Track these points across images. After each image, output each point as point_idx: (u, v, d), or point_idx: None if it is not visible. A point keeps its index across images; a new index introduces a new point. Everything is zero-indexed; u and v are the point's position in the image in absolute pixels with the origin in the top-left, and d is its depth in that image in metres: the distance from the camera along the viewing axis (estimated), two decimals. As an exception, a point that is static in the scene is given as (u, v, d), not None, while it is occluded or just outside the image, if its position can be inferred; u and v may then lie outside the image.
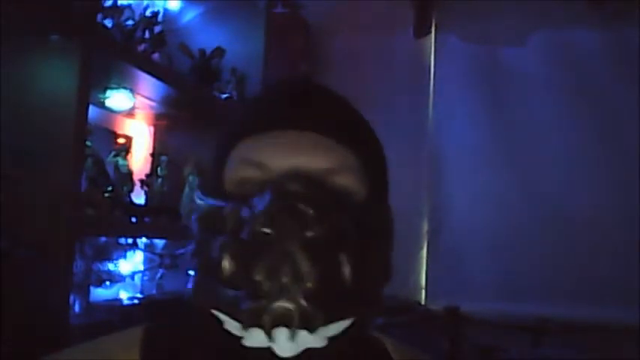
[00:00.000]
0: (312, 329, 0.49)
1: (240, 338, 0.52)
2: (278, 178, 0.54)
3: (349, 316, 0.54)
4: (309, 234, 0.49)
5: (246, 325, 0.49)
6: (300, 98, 0.59)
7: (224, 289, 0.51)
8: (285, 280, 0.48)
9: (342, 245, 0.51)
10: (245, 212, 0.52)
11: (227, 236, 0.52)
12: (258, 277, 0.49)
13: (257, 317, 0.49)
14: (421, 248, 2.81)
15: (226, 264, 0.50)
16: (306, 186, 0.52)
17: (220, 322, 0.55)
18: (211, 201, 0.57)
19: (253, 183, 0.56)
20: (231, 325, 0.53)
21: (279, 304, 0.48)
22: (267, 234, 0.49)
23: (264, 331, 0.49)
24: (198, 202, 0.59)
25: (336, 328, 0.53)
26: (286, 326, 0.48)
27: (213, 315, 0.54)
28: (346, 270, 0.51)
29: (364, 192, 0.58)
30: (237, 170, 0.57)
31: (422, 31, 2.94)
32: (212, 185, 0.60)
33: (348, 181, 0.56)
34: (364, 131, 0.62)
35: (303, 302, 0.48)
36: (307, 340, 0.50)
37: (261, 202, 0.51)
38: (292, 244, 0.49)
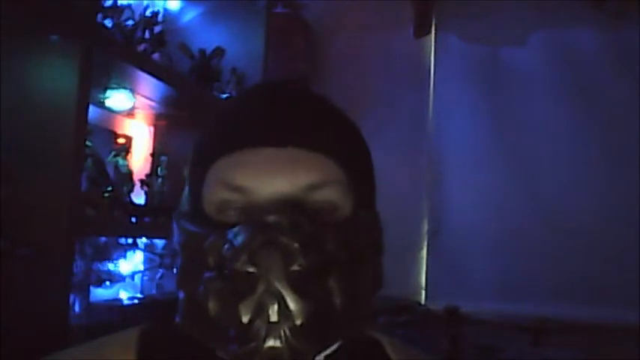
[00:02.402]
0: None
1: None
2: (258, 206, 0.52)
3: (342, 339, 0.53)
4: (294, 268, 0.47)
5: None
6: (278, 110, 0.56)
7: (212, 326, 0.50)
8: (273, 319, 0.47)
9: (330, 271, 0.50)
10: (226, 247, 0.50)
11: (211, 273, 0.50)
12: (245, 319, 0.47)
13: (248, 359, 0.48)
14: (421, 248, 2.80)
15: (212, 305, 0.49)
16: (289, 215, 0.49)
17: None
18: (192, 226, 0.55)
19: (235, 206, 0.53)
20: (223, 355, 0.53)
21: (269, 345, 0.47)
22: (251, 272, 0.48)
23: None
24: (179, 225, 0.57)
25: (329, 350, 0.53)
26: None
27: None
28: (337, 297, 0.49)
29: (350, 203, 0.55)
30: (217, 193, 0.54)
31: (422, 31, 2.94)
32: (191, 207, 0.57)
33: (333, 194, 0.54)
34: (348, 139, 0.58)
35: (293, 340, 0.47)
36: None
37: (240, 236, 0.49)
38: (278, 281, 0.47)
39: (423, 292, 2.78)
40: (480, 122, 2.82)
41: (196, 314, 0.51)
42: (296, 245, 0.48)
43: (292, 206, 0.51)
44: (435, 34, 2.94)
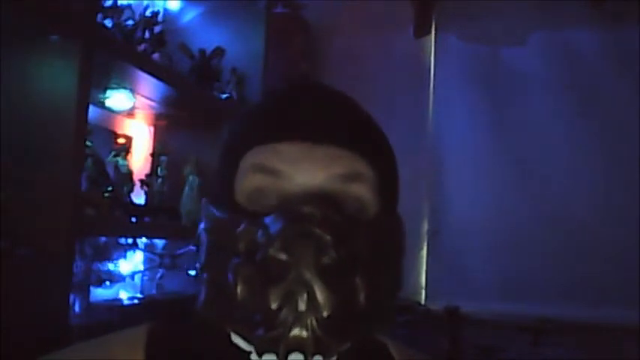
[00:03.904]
0: (327, 355, 0.48)
1: (248, 353, 0.52)
2: (293, 197, 0.53)
3: (363, 336, 0.53)
4: (325, 260, 0.48)
5: (261, 351, 0.49)
6: (314, 108, 0.57)
7: (237, 310, 0.50)
8: (301, 308, 0.47)
9: (357, 268, 0.50)
10: (259, 234, 0.51)
11: (241, 258, 0.51)
12: (274, 305, 0.48)
13: (272, 345, 0.48)
14: (421, 248, 2.81)
15: (240, 289, 0.49)
16: (322, 207, 0.50)
17: (228, 334, 0.55)
18: (221, 213, 0.56)
19: (267, 194, 0.54)
20: (241, 342, 0.53)
21: (295, 334, 0.47)
22: (283, 260, 0.48)
23: (278, 358, 0.48)
24: (208, 212, 0.57)
25: (348, 345, 0.53)
26: (301, 352, 0.48)
27: (221, 328, 0.54)
28: (362, 294, 0.50)
29: (378, 205, 0.56)
30: (251, 179, 0.55)
31: (422, 31, 2.94)
32: (221, 195, 0.58)
33: (363, 190, 0.55)
34: (379, 141, 0.61)
35: (319, 331, 0.47)
36: None
37: (275, 225, 0.50)
38: (308, 271, 0.48)
39: (423, 292, 2.78)
40: (480, 122, 2.82)
41: (221, 299, 0.51)
42: (328, 237, 0.49)
43: (325, 199, 0.52)
44: (435, 34, 2.94)
